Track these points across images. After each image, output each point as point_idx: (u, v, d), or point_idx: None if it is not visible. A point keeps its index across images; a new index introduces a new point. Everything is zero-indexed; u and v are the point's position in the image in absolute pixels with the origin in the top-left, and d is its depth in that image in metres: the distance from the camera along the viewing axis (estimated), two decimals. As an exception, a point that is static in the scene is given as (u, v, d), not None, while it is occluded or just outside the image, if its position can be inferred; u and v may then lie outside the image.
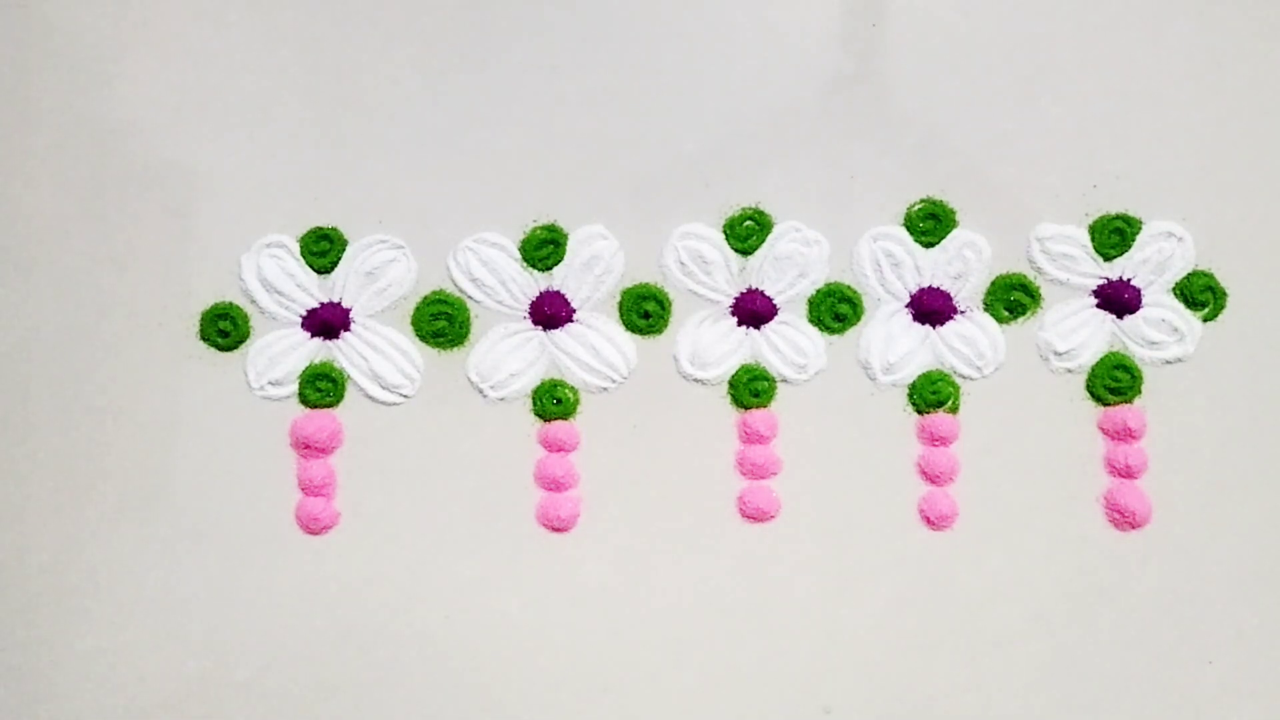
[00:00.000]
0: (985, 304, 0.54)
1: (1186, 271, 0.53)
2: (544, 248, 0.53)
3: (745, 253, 0.53)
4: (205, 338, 0.53)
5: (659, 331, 0.53)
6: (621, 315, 0.53)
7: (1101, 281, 0.54)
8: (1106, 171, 0.53)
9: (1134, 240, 0.53)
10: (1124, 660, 0.52)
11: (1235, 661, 0.53)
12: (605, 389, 0.53)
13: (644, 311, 0.53)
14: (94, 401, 0.53)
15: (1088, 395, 0.53)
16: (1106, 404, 0.53)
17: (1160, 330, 0.53)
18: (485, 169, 0.53)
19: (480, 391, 0.53)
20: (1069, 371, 0.53)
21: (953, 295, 0.54)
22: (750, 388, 0.53)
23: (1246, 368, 0.53)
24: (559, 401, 0.53)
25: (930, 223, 0.53)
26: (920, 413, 0.53)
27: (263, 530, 0.53)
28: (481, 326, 0.54)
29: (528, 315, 0.54)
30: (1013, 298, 0.54)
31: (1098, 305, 0.54)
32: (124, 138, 0.53)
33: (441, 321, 0.53)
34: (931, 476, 0.53)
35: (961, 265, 0.53)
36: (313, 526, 0.52)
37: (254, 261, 0.53)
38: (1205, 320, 0.53)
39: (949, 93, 0.53)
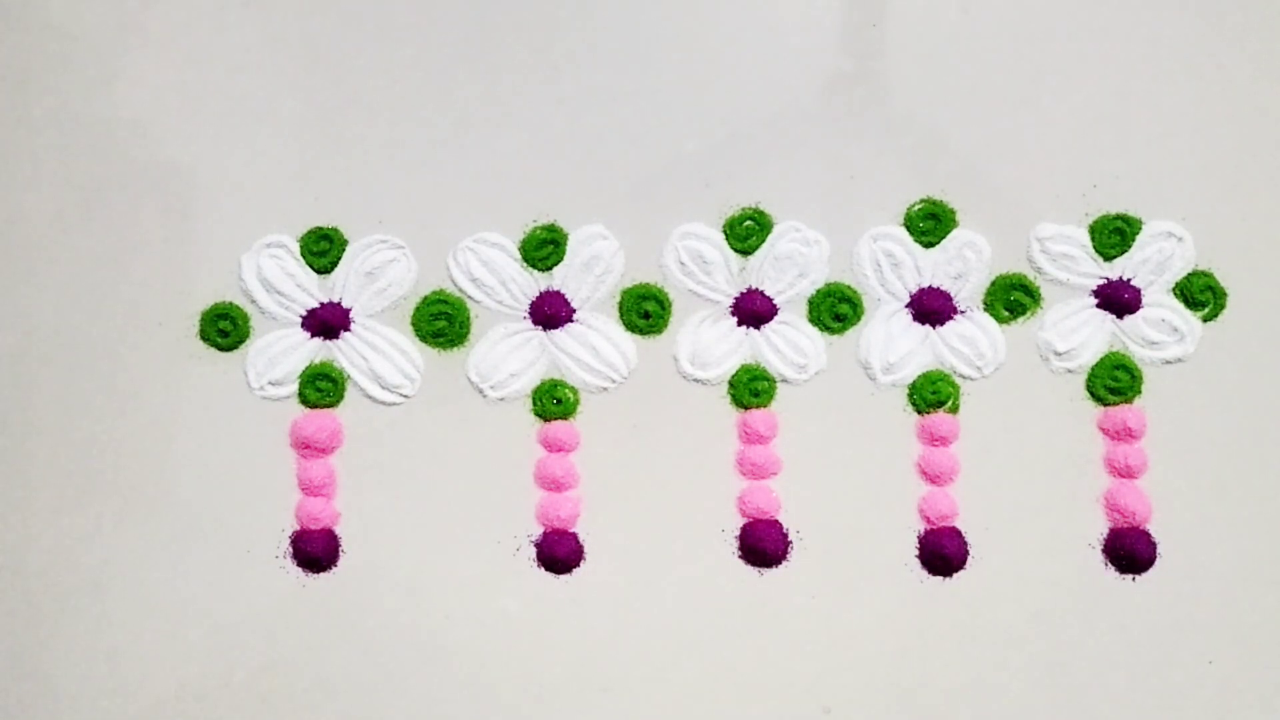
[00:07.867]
0: (985, 304, 0.54)
1: (1186, 271, 0.53)
2: (544, 248, 0.53)
3: (745, 253, 0.53)
4: (205, 338, 0.53)
5: (659, 331, 0.53)
6: (621, 315, 0.53)
7: (1101, 281, 0.54)
8: (1106, 171, 0.53)
9: (1134, 240, 0.53)
10: (1124, 660, 0.52)
11: (1235, 661, 0.53)
12: (605, 389, 0.53)
13: (644, 311, 0.53)
14: (94, 401, 0.53)
15: (1088, 395, 0.53)
16: (1106, 404, 0.53)
17: (1160, 330, 0.53)
18: (485, 169, 0.53)
19: (480, 391, 0.53)
20: (1069, 371, 0.53)
21: (953, 295, 0.54)
22: (750, 388, 0.53)
23: (1246, 368, 0.53)
24: (559, 401, 0.53)
25: (930, 223, 0.53)
26: (920, 413, 0.53)
27: (263, 530, 0.53)
28: (481, 326, 0.54)
29: (528, 315, 0.54)
30: (1013, 298, 0.53)
31: (1098, 305, 0.54)
32: (124, 138, 0.53)
33: (441, 321, 0.53)
34: (931, 476, 0.53)
35: (961, 265, 0.53)
36: (313, 526, 0.52)
37: (254, 261, 0.53)
38: (1205, 320, 0.53)
39: (949, 93, 0.53)
